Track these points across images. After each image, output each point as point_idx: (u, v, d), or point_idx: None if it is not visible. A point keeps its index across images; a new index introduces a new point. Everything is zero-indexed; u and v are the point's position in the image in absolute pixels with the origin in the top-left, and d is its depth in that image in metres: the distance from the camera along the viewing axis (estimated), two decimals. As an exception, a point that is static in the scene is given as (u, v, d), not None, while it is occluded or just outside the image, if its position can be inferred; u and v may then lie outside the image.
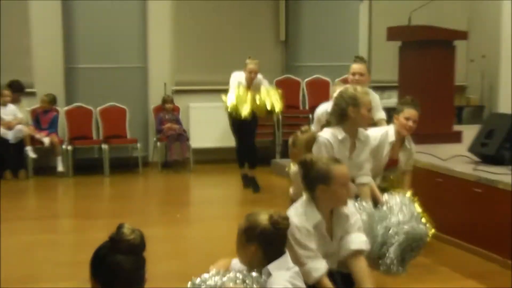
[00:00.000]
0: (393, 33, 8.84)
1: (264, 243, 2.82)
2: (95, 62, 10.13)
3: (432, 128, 8.24)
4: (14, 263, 5.58)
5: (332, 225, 3.34)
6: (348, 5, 11.30)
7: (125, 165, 9.38)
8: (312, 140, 4.16)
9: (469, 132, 8.01)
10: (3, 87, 9.02)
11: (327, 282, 3.08)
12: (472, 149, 6.96)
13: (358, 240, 3.31)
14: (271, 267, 2.83)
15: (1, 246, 5.75)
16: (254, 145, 8.44)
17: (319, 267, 3.05)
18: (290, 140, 4.52)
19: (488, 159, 6.72)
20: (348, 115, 4.02)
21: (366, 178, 4.16)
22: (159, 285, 4.57)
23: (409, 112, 5.14)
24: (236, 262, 2.99)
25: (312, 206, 3.26)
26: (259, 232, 2.79)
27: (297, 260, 2.98)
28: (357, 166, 4.16)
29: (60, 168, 9.08)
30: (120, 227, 2.15)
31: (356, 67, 6.43)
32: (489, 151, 6.65)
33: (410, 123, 5.04)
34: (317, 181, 3.18)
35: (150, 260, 2.69)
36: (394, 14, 9.76)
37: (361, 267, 3.35)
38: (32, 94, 9.55)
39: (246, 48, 9.86)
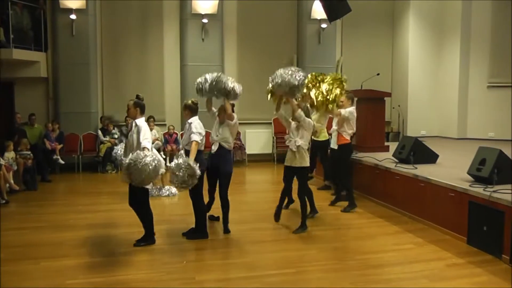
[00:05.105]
0: (353, 93, 10.65)
1: (139, 106, 6.73)
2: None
3: (374, 143, 11.41)
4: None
5: None
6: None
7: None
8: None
9: (393, 146, 10.82)
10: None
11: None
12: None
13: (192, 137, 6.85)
14: (137, 120, 6.70)
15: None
16: None
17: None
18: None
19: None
20: None
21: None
22: (230, 225, 7.62)
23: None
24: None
25: None
26: (135, 101, 6.76)
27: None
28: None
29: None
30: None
31: (342, 98, 9.22)
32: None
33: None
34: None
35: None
36: (354, 82, 12.92)
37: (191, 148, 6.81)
38: (164, 125, 14.47)
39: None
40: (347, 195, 9.22)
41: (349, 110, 9.07)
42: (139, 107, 6.86)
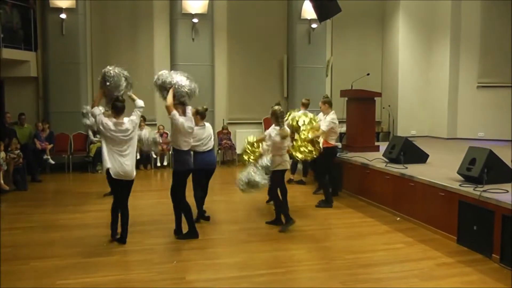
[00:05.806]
0: (343, 93, 12.15)
1: (113, 108, 6.89)
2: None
3: (364, 143, 11.45)
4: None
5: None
6: (318, 72, 15.56)
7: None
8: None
9: (383, 146, 10.90)
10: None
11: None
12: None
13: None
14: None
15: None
16: None
17: None
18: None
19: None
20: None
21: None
22: (220, 225, 7.88)
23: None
24: None
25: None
26: (112, 103, 6.88)
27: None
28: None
29: (164, 162, 14.14)
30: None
31: (320, 103, 9.69)
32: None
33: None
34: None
35: (214, 213, 8.26)
36: (344, 82, 13.72)
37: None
38: (155, 124, 14.42)
39: (265, 100, 14.48)
40: (325, 192, 9.48)
41: (330, 120, 9.32)
42: (113, 108, 7.02)
